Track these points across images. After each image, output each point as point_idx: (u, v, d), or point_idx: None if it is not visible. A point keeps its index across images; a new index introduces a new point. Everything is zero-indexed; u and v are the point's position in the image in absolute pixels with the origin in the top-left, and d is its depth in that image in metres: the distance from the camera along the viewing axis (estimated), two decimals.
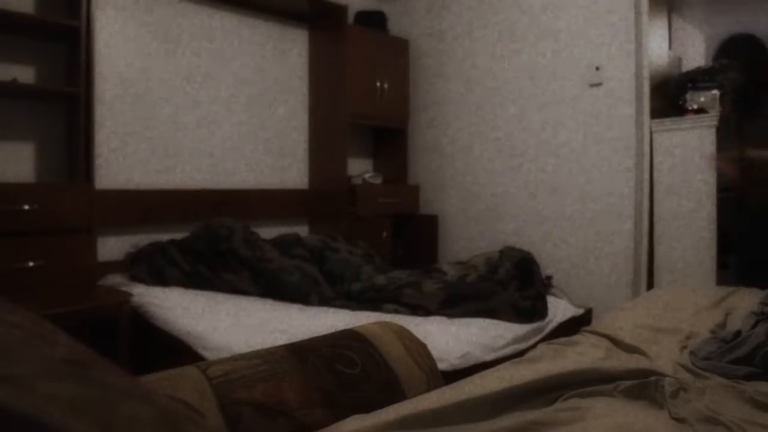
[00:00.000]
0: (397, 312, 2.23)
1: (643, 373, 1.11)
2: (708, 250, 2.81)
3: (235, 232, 2.74)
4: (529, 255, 2.52)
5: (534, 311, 2.21)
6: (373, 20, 3.88)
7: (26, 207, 2.23)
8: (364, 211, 3.54)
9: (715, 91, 2.97)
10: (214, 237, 2.72)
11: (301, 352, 1.06)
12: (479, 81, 3.63)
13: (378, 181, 3.80)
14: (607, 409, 0.95)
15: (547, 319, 2.27)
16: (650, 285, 2.95)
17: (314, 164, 3.75)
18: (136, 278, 2.63)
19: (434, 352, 1.31)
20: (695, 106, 2.99)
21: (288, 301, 2.45)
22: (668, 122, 2.95)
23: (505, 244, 2.86)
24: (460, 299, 2.23)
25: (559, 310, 2.42)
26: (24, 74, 2.57)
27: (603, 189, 3.04)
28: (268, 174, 3.57)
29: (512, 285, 2.31)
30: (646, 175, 2.97)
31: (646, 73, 2.95)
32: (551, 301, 2.42)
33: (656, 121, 2.96)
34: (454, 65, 3.79)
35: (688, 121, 2.90)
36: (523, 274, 2.38)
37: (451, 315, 2.18)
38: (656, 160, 2.97)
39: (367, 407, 0.97)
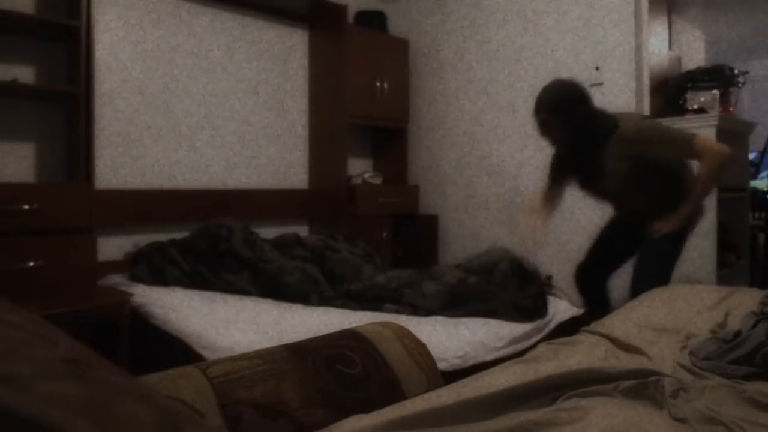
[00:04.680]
0: (397, 312, 2.23)
1: (643, 373, 1.11)
2: (708, 249, 2.81)
3: (234, 232, 2.74)
4: (516, 255, 2.54)
5: (534, 309, 2.21)
6: (373, 20, 3.88)
7: (26, 207, 2.23)
8: (364, 211, 3.54)
9: (715, 91, 2.97)
10: (214, 237, 2.72)
11: (301, 352, 1.06)
12: (479, 81, 3.63)
13: (378, 181, 3.80)
14: (607, 409, 0.95)
15: (547, 319, 2.27)
16: None
17: (314, 164, 3.75)
18: (136, 278, 2.63)
19: (434, 352, 1.31)
20: (695, 106, 2.99)
21: (288, 301, 2.45)
22: (668, 122, 2.95)
23: (491, 246, 2.86)
24: (461, 301, 2.23)
25: (559, 310, 2.42)
26: (24, 74, 2.57)
27: None
28: (268, 174, 3.58)
29: (512, 284, 2.31)
30: None
31: (646, 73, 2.95)
32: (551, 300, 2.42)
33: (656, 120, 2.96)
34: (453, 65, 3.79)
35: (688, 120, 2.90)
36: (521, 273, 2.38)
37: (451, 316, 2.18)
38: None
39: (367, 407, 0.97)
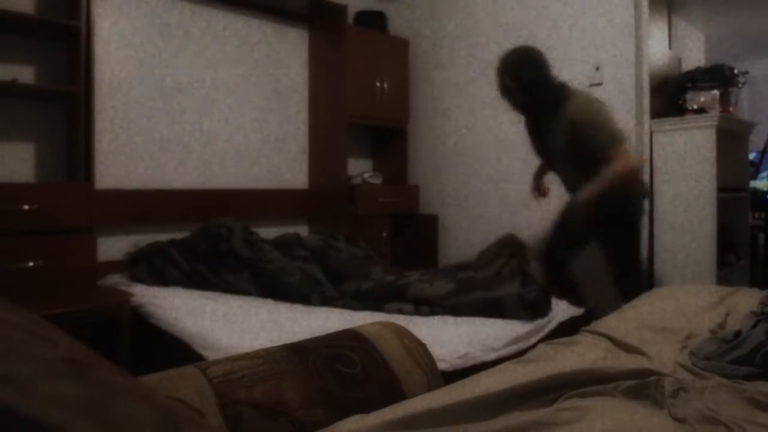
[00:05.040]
0: (399, 311, 2.23)
1: (643, 373, 1.11)
2: (708, 250, 2.81)
3: (234, 232, 2.74)
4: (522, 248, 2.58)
5: (538, 303, 2.22)
6: (373, 20, 3.88)
7: (26, 207, 2.23)
8: (364, 211, 3.54)
9: (715, 91, 2.97)
10: (214, 237, 2.72)
11: (301, 352, 1.06)
12: (479, 81, 3.63)
13: (378, 180, 3.80)
14: (607, 409, 0.95)
15: (547, 319, 2.27)
16: (650, 285, 2.95)
17: (314, 164, 3.75)
18: (136, 278, 2.63)
19: (434, 352, 1.31)
20: (695, 106, 2.99)
21: (289, 301, 2.45)
22: (668, 122, 2.95)
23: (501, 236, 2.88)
24: (468, 289, 2.25)
25: (559, 310, 2.42)
26: (24, 74, 2.57)
27: None
28: (268, 174, 3.57)
29: (517, 280, 2.32)
30: (646, 175, 2.97)
31: (646, 73, 2.95)
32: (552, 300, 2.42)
33: (656, 120, 2.97)
34: (453, 65, 3.79)
35: (688, 120, 2.90)
36: (525, 270, 2.41)
37: (456, 304, 2.19)
38: (656, 159, 2.97)
39: (367, 407, 0.97)
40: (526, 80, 2.41)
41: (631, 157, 2.32)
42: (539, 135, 2.57)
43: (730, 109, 3.11)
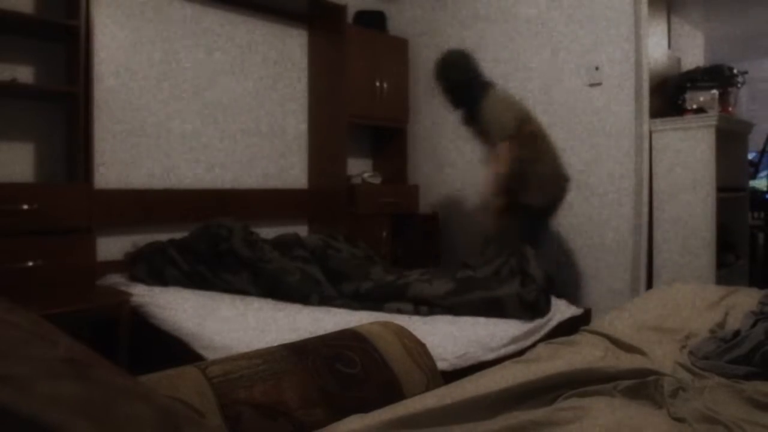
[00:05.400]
0: (398, 311, 2.23)
1: (643, 373, 1.11)
2: (707, 249, 2.82)
3: (234, 232, 2.74)
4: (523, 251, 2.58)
5: (538, 303, 2.22)
6: (373, 20, 3.88)
7: (26, 207, 2.23)
8: (364, 211, 3.54)
9: (714, 91, 2.97)
10: (214, 237, 2.72)
11: (300, 352, 1.06)
12: None
13: (377, 180, 3.80)
14: (607, 408, 0.95)
15: (546, 318, 2.27)
16: (649, 285, 2.95)
17: (314, 164, 3.75)
18: (135, 278, 2.63)
19: (434, 352, 1.31)
20: (694, 106, 2.99)
21: (288, 301, 2.45)
22: (667, 122, 2.95)
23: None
24: (467, 289, 2.25)
25: (559, 309, 2.42)
26: (24, 74, 2.57)
27: (602, 189, 3.04)
28: (268, 174, 3.57)
29: (516, 281, 2.32)
30: (646, 175, 2.97)
31: (645, 73, 2.95)
32: (552, 300, 2.42)
33: (655, 120, 2.97)
34: None
35: (688, 120, 2.91)
36: (525, 270, 2.40)
37: (456, 304, 2.19)
38: (655, 159, 2.97)
39: (367, 407, 0.97)
40: (456, 80, 2.75)
41: (500, 157, 2.55)
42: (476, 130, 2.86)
43: (730, 108, 3.11)
